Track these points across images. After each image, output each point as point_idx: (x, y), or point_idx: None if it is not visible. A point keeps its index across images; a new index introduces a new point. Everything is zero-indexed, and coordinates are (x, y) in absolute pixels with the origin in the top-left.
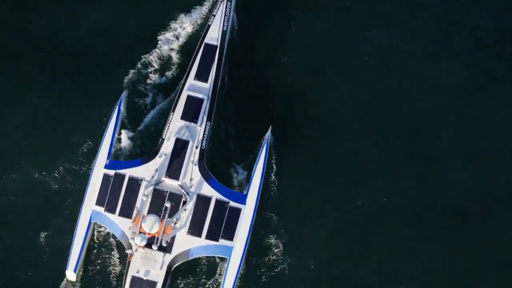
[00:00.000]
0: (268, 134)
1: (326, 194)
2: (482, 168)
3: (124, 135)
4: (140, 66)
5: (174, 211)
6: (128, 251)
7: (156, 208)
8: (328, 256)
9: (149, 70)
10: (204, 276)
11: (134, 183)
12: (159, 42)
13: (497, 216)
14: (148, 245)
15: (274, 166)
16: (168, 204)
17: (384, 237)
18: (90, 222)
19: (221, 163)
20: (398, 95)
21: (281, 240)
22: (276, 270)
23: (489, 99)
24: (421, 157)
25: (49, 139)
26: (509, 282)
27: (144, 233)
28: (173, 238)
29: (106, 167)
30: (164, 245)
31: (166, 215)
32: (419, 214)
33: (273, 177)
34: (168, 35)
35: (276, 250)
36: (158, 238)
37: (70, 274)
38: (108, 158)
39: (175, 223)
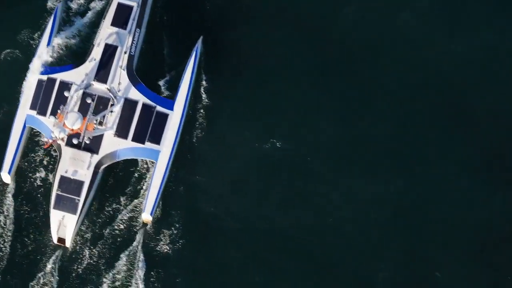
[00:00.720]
0: (199, 42)
1: (251, 109)
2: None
3: (59, 41)
4: None
5: (100, 111)
6: (44, 139)
7: (85, 110)
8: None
9: None
10: (134, 181)
11: (65, 87)
12: None
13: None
14: (76, 146)
15: (203, 74)
16: (89, 101)
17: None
18: (24, 126)
19: (152, 70)
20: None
21: (205, 149)
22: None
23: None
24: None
25: None
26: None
27: (67, 129)
28: (100, 140)
29: (40, 73)
30: (87, 141)
31: (89, 112)
32: (332, 158)
33: (203, 84)
34: None
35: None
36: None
37: (5, 176)
38: (42, 64)
39: (99, 122)
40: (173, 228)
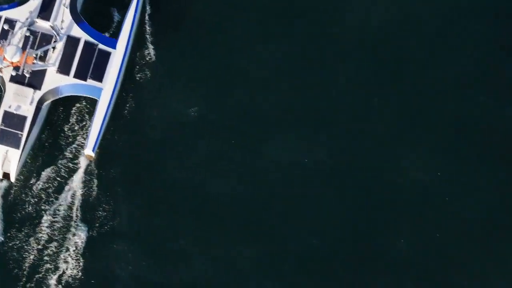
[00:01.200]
0: None
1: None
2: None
3: None
4: None
5: (42, 46)
6: None
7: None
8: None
9: None
10: (77, 118)
11: (9, 24)
12: None
13: None
14: (19, 82)
15: (148, 10)
16: (27, 33)
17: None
18: None
19: (98, 11)
20: None
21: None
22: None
23: None
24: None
25: None
26: None
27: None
28: (43, 76)
29: None
30: (27, 75)
31: (28, 46)
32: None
33: (146, 23)
34: None
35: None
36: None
37: None
38: None
39: (39, 57)
40: (107, 196)
